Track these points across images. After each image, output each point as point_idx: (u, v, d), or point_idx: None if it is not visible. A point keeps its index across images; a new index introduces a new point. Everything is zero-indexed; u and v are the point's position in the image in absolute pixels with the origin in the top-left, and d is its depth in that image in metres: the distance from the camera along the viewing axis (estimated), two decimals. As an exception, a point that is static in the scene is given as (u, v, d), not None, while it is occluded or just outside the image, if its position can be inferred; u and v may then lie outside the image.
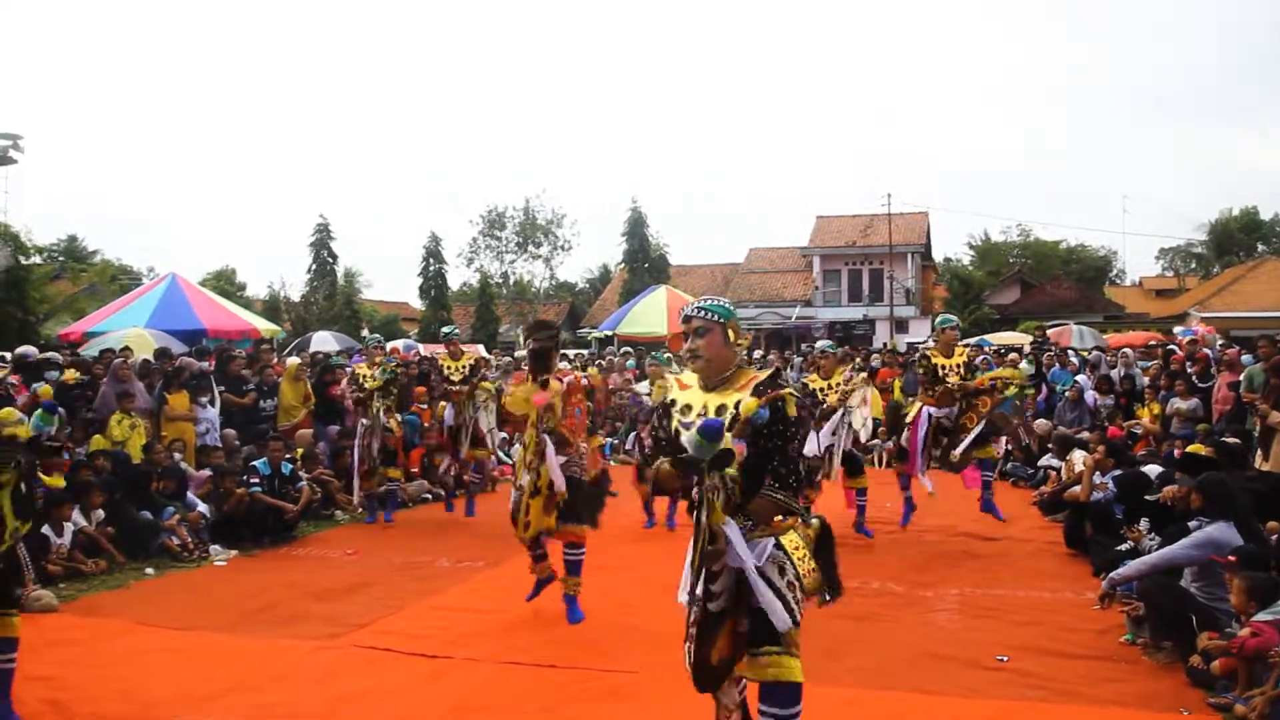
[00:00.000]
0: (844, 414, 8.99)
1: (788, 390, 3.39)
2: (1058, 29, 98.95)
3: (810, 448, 8.87)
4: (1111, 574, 6.14)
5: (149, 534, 8.51)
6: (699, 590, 3.26)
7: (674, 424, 3.59)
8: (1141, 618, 5.81)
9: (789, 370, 18.19)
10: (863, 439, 9.20)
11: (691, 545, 3.26)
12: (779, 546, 3.41)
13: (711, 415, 3.37)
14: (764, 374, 3.49)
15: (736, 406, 3.38)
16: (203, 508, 9.21)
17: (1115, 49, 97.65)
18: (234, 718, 4.83)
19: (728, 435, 3.11)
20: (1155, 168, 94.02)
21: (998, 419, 8.99)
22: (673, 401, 3.64)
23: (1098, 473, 9.02)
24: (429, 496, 11.74)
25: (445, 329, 12.05)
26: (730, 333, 3.57)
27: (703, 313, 3.55)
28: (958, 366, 8.83)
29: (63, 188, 78.69)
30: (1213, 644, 5.03)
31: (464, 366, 10.70)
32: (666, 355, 13.19)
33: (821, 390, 9.27)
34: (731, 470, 3.09)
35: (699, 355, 3.53)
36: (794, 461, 3.39)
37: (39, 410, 4.46)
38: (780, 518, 3.42)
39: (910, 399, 10.01)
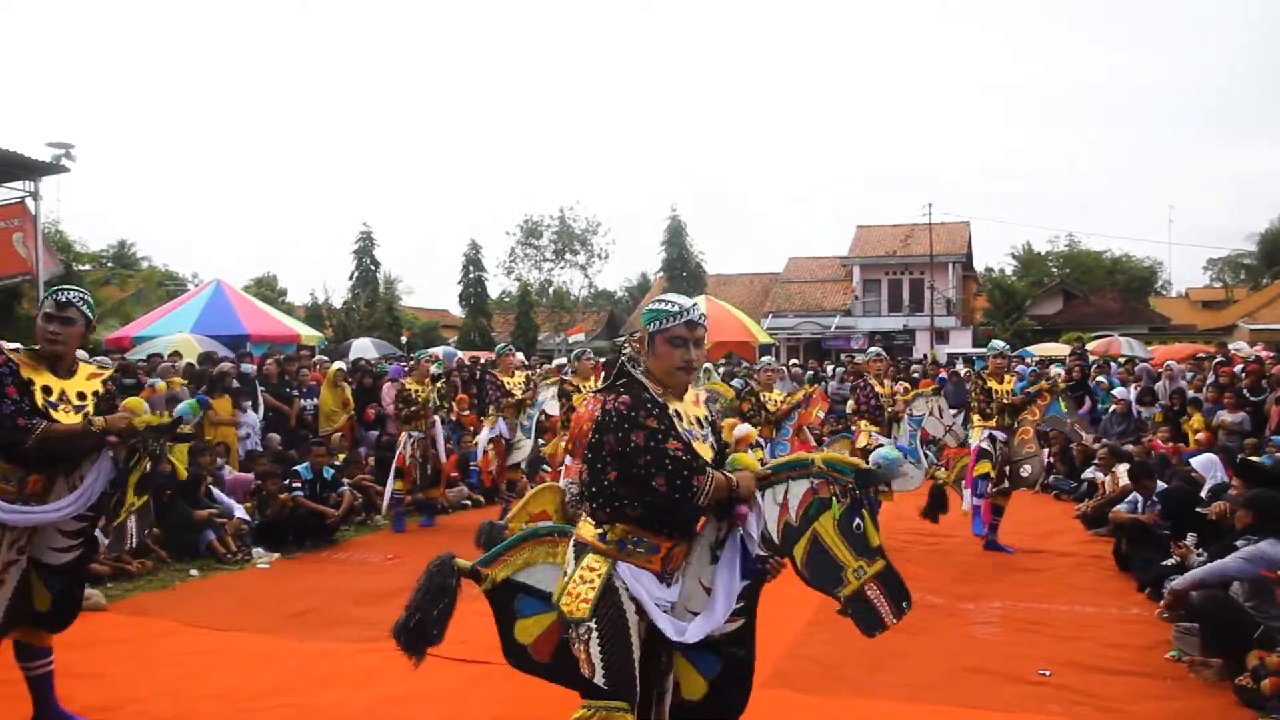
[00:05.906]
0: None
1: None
2: (1103, 39, 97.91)
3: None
4: (1174, 584, 6.03)
5: (194, 534, 8.62)
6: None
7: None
8: (1192, 633, 5.71)
9: (830, 380, 18.05)
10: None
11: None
12: None
13: (692, 427, 3.20)
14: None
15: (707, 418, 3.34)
16: (240, 512, 9.21)
17: (1160, 58, 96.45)
18: None
19: None
20: (1203, 178, 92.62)
21: (1050, 422, 9.50)
22: (676, 412, 3.18)
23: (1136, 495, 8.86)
24: (469, 503, 11.81)
25: (500, 346, 12.26)
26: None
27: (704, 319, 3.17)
28: (1010, 392, 9.21)
29: (112, 196, 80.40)
30: (1269, 660, 4.92)
31: (520, 383, 10.87)
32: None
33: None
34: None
35: (693, 368, 3.16)
36: None
37: (191, 401, 4.66)
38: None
39: (956, 413, 10.32)
